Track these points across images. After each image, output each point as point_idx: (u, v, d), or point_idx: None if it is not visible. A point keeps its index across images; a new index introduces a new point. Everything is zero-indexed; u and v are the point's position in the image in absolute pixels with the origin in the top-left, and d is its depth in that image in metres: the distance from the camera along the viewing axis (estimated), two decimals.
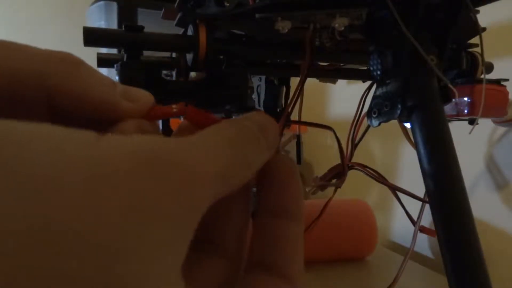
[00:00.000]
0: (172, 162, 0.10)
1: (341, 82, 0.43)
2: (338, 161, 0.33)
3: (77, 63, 0.13)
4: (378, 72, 0.27)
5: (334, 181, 0.34)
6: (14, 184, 0.07)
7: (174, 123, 0.30)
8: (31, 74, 0.12)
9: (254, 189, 0.15)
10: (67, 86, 0.12)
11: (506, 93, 0.34)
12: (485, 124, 0.50)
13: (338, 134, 0.32)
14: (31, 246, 0.07)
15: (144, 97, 0.14)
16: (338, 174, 0.35)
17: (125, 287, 0.08)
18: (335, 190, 0.37)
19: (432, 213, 0.24)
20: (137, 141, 0.10)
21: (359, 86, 0.37)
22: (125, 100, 0.13)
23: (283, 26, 0.25)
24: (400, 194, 0.34)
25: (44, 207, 0.07)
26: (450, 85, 0.24)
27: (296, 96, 0.28)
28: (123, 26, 0.27)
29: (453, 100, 0.25)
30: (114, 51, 0.39)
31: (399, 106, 0.25)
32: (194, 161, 0.10)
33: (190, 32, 0.28)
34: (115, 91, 0.13)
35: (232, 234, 0.14)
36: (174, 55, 0.33)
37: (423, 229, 0.34)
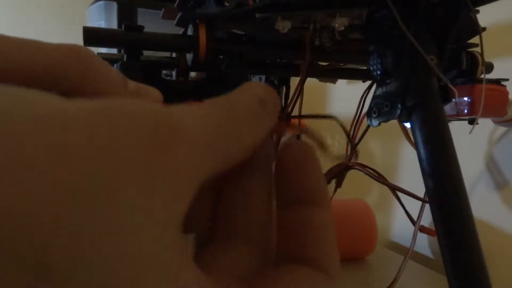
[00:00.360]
0: (148, 119, 0.09)
1: (341, 82, 0.43)
2: (338, 161, 0.33)
3: (90, 61, 0.13)
4: (378, 72, 0.27)
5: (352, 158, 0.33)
6: None
7: None
8: (44, 78, 0.12)
9: None
10: (80, 88, 0.12)
11: (506, 93, 0.34)
12: (485, 124, 0.50)
13: (338, 134, 0.32)
14: None
15: (153, 95, 0.14)
16: (338, 173, 0.35)
17: (97, 249, 0.08)
18: (335, 190, 0.37)
19: (432, 213, 0.24)
20: (112, 101, 0.09)
21: (359, 86, 0.37)
22: (137, 98, 0.13)
23: (283, 26, 0.25)
24: (400, 194, 0.34)
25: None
26: (450, 85, 0.24)
27: (296, 96, 0.28)
28: (123, 26, 0.27)
29: (453, 100, 0.25)
30: (114, 51, 0.40)
31: (399, 106, 0.25)
32: (175, 121, 0.10)
33: (190, 32, 0.28)
34: (126, 90, 0.13)
35: (255, 221, 0.14)
36: (174, 55, 0.33)
37: (423, 229, 0.34)
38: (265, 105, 0.13)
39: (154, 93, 0.15)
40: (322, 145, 0.18)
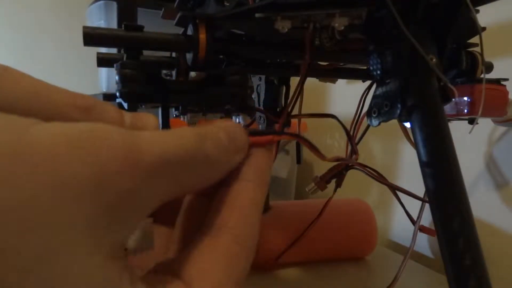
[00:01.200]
0: (102, 144, 0.10)
1: (340, 82, 0.43)
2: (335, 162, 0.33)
3: (92, 107, 0.13)
4: (378, 72, 0.27)
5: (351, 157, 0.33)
6: None
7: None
8: (47, 117, 0.12)
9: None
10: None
11: (506, 93, 0.34)
12: (485, 124, 0.50)
13: (338, 134, 0.32)
14: None
15: (150, 125, 0.15)
16: (338, 173, 0.35)
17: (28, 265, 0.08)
18: (335, 190, 0.37)
19: (432, 213, 0.24)
20: (73, 126, 0.10)
21: (359, 86, 0.37)
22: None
23: (283, 25, 0.25)
24: (400, 194, 0.34)
25: None
26: (450, 85, 0.24)
27: (296, 95, 0.28)
28: (122, 25, 0.27)
29: (453, 99, 0.25)
30: (114, 50, 0.39)
31: (399, 105, 0.25)
32: (131, 145, 0.10)
33: (190, 31, 0.28)
34: (123, 123, 0.14)
35: (244, 221, 0.14)
36: (174, 54, 0.33)
37: (423, 229, 0.34)
38: (235, 141, 0.14)
39: (150, 120, 0.15)
40: (317, 152, 0.19)
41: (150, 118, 0.15)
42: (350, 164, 0.34)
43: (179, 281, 0.12)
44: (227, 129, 0.14)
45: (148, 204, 0.11)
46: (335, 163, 0.34)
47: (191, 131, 0.13)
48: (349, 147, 0.34)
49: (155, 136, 0.11)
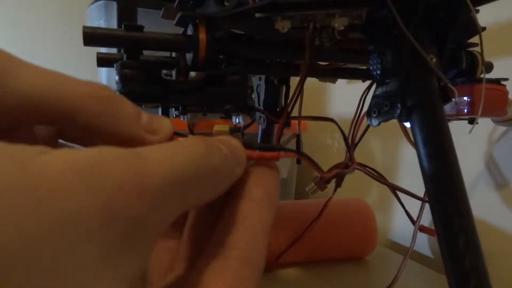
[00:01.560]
0: (109, 173, 0.09)
1: (340, 82, 0.43)
2: (337, 160, 0.33)
3: (110, 100, 0.13)
4: (378, 72, 0.27)
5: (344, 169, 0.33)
6: None
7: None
8: (62, 110, 0.12)
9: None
10: (95, 124, 0.12)
11: (506, 93, 0.34)
12: (485, 124, 0.50)
13: (337, 134, 0.32)
14: None
15: (165, 128, 0.15)
16: (338, 173, 0.35)
17: None
18: (335, 190, 0.37)
19: (432, 213, 0.24)
20: (80, 153, 0.09)
21: (359, 86, 0.37)
22: (148, 134, 0.14)
23: (283, 25, 0.25)
24: (400, 194, 0.34)
25: None
26: (449, 85, 0.24)
27: (296, 95, 0.28)
28: (122, 25, 0.27)
29: (453, 99, 0.25)
30: (114, 50, 0.40)
31: (399, 105, 0.25)
32: (138, 170, 0.10)
33: (190, 31, 0.28)
34: (140, 125, 0.14)
35: (249, 238, 0.14)
36: (174, 54, 0.33)
37: (423, 229, 0.34)
38: (234, 154, 0.14)
39: (166, 124, 0.15)
40: (318, 169, 0.19)
41: (165, 122, 0.15)
42: (349, 164, 0.34)
43: None
44: (225, 142, 0.14)
45: (159, 227, 0.11)
46: (336, 163, 0.34)
47: (200, 142, 0.13)
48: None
49: (163, 154, 0.11)
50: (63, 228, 0.08)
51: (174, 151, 0.11)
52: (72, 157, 0.09)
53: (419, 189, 0.29)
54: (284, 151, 0.16)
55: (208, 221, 0.16)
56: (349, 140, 0.33)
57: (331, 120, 0.34)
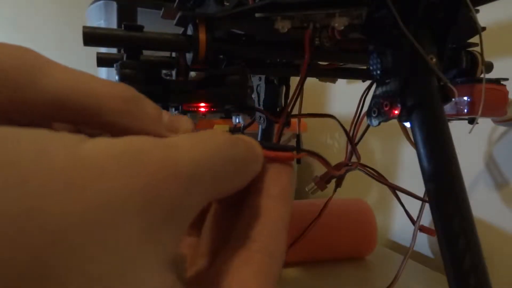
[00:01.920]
0: (147, 160, 0.10)
1: (340, 82, 0.43)
2: (338, 160, 0.33)
3: (134, 100, 0.13)
4: (378, 72, 0.27)
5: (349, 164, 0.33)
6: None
7: None
8: (89, 109, 0.12)
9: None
10: (119, 123, 0.13)
11: (506, 93, 0.34)
12: (485, 124, 0.50)
13: (338, 134, 0.32)
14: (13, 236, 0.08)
15: (185, 126, 0.16)
16: (347, 170, 0.35)
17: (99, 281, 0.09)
18: (335, 190, 0.37)
19: (432, 213, 0.24)
20: (117, 141, 0.10)
21: (359, 86, 0.37)
22: (170, 133, 0.15)
23: (283, 25, 0.25)
24: (400, 194, 0.34)
25: (28, 199, 0.08)
26: (449, 85, 0.24)
27: (296, 95, 0.28)
28: (122, 25, 0.27)
29: (453, 99, 0.25)
30: (114, 50, 0.40)
31: (399, 105, 0.25)
32: (169, 158, 0.11)
33: (189, 31, 0.28)
34: (162, 125, 0.14)
35: (271, 232, 0.15)
36: (174, 54, 0.33)
37: (423, 229, 0.34)
38: (252, 150, 0.15)
39: (186, 123, 0.16)
40: (331, 168, 0.20)
41: (187, 122, 0.16)
42: (350, 164, 0.34)
43: None
44: (243, 139, 0.15)
45: (191, 210, 0.11)
46: (336, 163, 0.34)
47: (223, 134, 0.13)
48: (349, 149, 0.34)
49: (191, 142, 0.12)
50: (111, 206, 0.09)
51: (201, 139, 0.12)
52: (110, 145, 0.10)
53: (419, 189, 0.29)
54: (299, 152, 0.17)
55: (226, 219, 0.16)
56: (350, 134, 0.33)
57: (331, 116, 0.34)
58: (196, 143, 0.12)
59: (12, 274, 0.08)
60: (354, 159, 0.34)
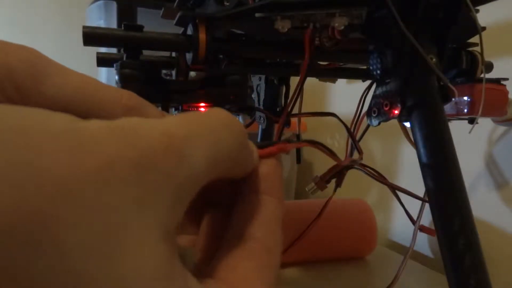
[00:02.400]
0: (141, 133, 0.11)
1: (340, 82, 0.43)
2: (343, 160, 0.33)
3: (138, 108, 0.14)
4: (378, 72, 0.27)
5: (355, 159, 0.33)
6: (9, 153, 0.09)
7: None
8: (92, 112, 0.13)
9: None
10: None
11: (506, 93, 0.34)
12: (485, 124, 0.50)
13: (337, 134, 0.32)
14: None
15: (150, 111, 0.16)
16: (338, 173, 0.35)
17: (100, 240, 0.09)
18: (335, 190, 0.37)
19: (432, 213, 0.24)
20: (113, 121, 0.11)
21: (359, 86, 0.37)
22: None
23: (283, 25, 0.25)
24: (400, 194, 0.34)
25: (29, 155, 0.09)
26: (449, 85, 0.24)
27: (295, 95, 0.28)
28: (122, 25, 0.27)
29: (453, 99, 0.25)
30: (113, 50, 0.40)
31: (399, 105, 0.25)
32: (162, 130, 0.11)
33: (189, 31, 0.28)
34: (121, 106, 0.15)
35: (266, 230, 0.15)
36: (174, 54, 0.33)
37: (423, 229, 0.34)
38: (247, 146, 0.15)
39: (151, 109, 0.16)
40: (334, 157, 0.20)
41: (150, 105, 0.16)
42: (350, 164, 0.34)
43: (222, 283, 0.13)
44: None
45: (187, 186, 0.11)
46: (336, 162, 0.34)
47: (221, 111, 0.14)
48: (350, 147, 0.34)
49: (181, 119, 0.12)
50: (104, 171, 0.09)
51: (193, 120, 0.13)
52: (107, 122, 0.10)
53: (419, 189, 0.29)
54: (290, 142, 0.17)
55: (223, 218, 0.17)
56: (349, 141, 0.33)
57: (332, 114, 0.34)
58: (189, 120, 0.12)
59: (12, 219, 0.08)
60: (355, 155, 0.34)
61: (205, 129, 0.12)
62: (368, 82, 0.34)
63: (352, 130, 0.34)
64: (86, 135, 0.10)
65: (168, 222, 0.11)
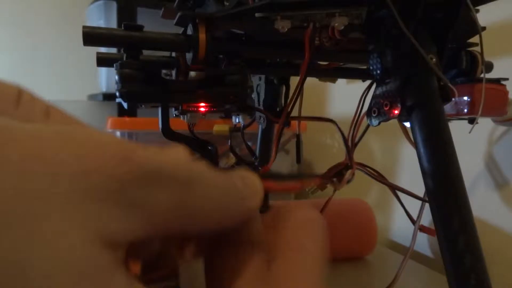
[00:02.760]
0: (101, 144, 0.11)
1: (340, 82, 0.43)
2: (338, 160, 0.33)
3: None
4: (378, 71, 0.27)
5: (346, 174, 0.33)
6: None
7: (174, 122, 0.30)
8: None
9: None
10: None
11: (506, 92, 0.34)
12: (485, 124, 0.50)
13: (337, 134, 0.32)
14: None
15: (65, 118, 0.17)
16: (338, 173, 0.35)
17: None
18: (335, 190, 0.37)
19: (432, 213, 0.24)
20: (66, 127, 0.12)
21: (359, 86, 0.37)
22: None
23: (283, 25, 0.25)
24: (400, 194, 0.34)
25: None
26: (449, 84, 0.24)
27: (295, 95, 0.28)
28: (122, 25, 0.27)
29: (453, 99, 0.25)
30: (114, 50, 0.40)
31: (399, 105, 0.25)
32: (126, 150, 0.11)
33: (189, 31, 0.28)
34: (18, 106, 0.15)
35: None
36: (174, 54, 0.33)
37: (423, 229, 0.34)
38: (244, 179, 0.15)
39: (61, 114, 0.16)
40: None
41: (58, 111, 0.16)
42: (349, 164, 0.34)
43: None
44: (241, 175, 0.15)
45: (137, 210, 0.11)
46: (336, 163, 0.34)
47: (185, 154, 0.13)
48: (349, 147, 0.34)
49: (149, 151, 0.12)
50: (48, 173, 0.10)
51: (162, 152, 0.12)
52: (64, 128, 0.11)
53: (419, 189, 0.29)
54: (308, 178, 0.16)
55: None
56: (349, 141, 0.33)
57: (331, 121, 0.34)
58: (156, 152, 0.12)
59: None
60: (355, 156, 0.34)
61: (176, 165, 0.12)
62: (368, 82, 0.34)
63: (352, 130, 0.34)
64: (24, 132, 0.10)
65: (106, 232, 0.11)
